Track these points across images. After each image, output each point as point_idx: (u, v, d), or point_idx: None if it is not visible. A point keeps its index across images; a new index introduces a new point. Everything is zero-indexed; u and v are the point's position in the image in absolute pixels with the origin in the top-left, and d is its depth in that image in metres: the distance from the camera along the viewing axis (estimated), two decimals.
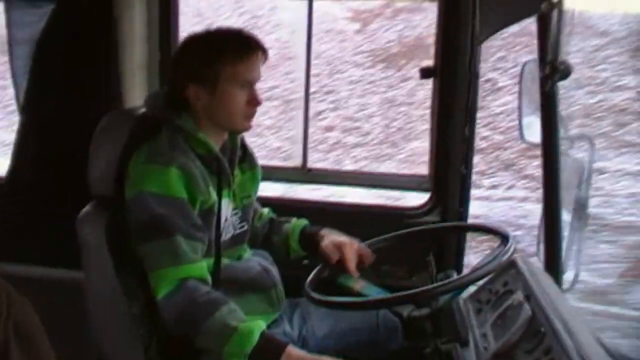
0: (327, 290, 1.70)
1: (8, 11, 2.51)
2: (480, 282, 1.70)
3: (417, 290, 1.57)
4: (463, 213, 2.36)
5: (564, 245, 1.82)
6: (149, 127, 1.80)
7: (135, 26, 2.41)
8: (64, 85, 2.39)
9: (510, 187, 6.12)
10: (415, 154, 6.83)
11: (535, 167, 6.36)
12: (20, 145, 2.50)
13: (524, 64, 2.02)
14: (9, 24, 2.53)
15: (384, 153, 6.98)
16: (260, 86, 1.82)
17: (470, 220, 2.44)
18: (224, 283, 1.78)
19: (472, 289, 1.74)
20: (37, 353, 1.15)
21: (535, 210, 5.51)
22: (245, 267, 1.87)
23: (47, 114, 2.43)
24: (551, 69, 1.53)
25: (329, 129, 7.15)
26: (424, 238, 1.97)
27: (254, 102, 1.78)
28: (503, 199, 5.74)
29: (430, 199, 2.41)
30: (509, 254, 1.59)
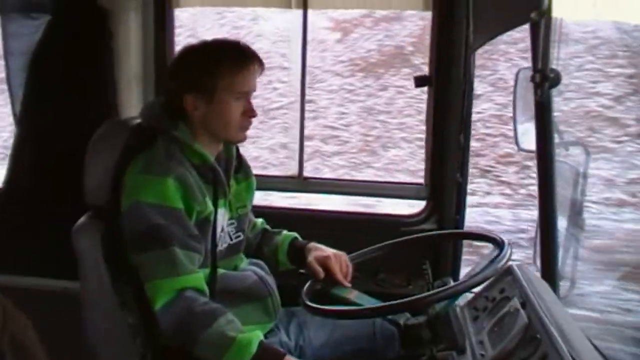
0: (322, 301, 1.71)
1: (4, 23, 2.52)
2: (477, 290, 1.70)
3: (412, 297, 1.57)
4: (459, 220, 2.36)
5: (560, 252, 1.82)
6: (145, 137, 1.81)
7: (130, 37, 2.42)
8: (60, 95, 2.40)
9: (487, 194, 6.17)
10: (393, 162, 6.84)
11: (511, 173, 6.45)
12: (17, 155, 2.50)
13: (518, 72, 2.03)
14: (5, 36, 2.53)
15: (362, 161, 7.00)
16: None
17: (466, 228, 2.44)
18: (220, 293, 1.77)
19: (468, 296, 1.74)
20: None
21: (505, 216, 5.62)
22: (241, 276, 1.87)
23: (44, 124, 2.43)
24: (541, 77, 1.54)
25: (309, 138, 7.18)
26: (421, 246, 1.97)
27: (249, 113, 1.79)
28: (478, 205, 5.78)
29: (427, 206, 2.41)
30: (504, 260, 1.59)
